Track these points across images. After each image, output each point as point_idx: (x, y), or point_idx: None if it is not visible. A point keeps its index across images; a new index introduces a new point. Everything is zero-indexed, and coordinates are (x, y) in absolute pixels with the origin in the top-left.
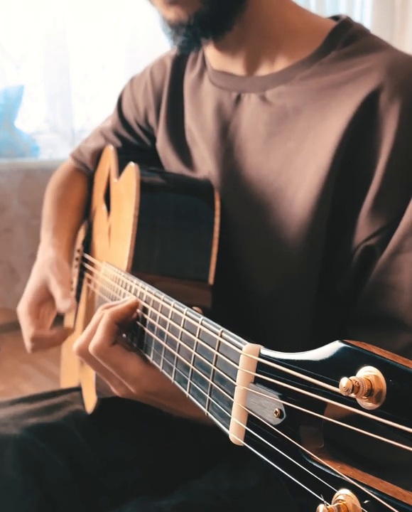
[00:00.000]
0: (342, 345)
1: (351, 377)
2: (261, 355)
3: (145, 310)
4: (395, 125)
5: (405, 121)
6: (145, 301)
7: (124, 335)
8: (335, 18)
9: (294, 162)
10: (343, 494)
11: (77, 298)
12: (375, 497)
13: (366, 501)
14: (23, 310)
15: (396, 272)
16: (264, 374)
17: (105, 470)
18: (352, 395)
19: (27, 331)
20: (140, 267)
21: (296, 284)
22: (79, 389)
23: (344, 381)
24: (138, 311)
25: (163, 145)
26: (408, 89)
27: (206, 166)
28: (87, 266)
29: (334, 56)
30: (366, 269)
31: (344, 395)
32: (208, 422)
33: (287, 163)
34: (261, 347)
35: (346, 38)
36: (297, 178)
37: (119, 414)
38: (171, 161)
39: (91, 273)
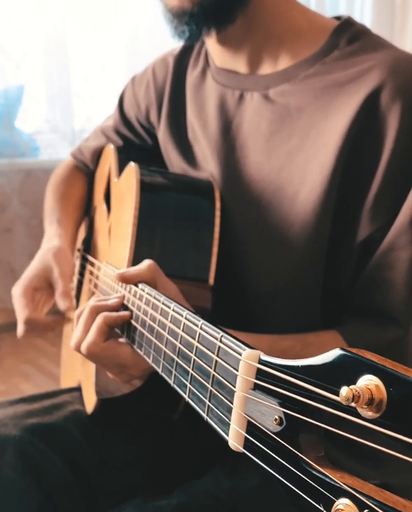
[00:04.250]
0: (342, 352)
1: (352, 387)
2: (260, 361)
3: (145, 312)
4: (396, 124)
5: (406, 120)
6: (144, 303)
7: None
8: (337, 18)
9: (295, 161)
10: (342, 504)
11: (77, 297)
12: (374, 507)
13: (365, 511)
14: (17, 292)
15: (389, 269)
16: (264, 380)
17: (105, 470)
18: (352, 404)
19: (21, 313)
20: None
21: (299, 284)
22: (79, 389)
23: (344, 390)
24: (138, 312)
25: (165, 142)
26: (409, 88)
27: (208, 163)
28: (87, 266)
29: (337, 55)
30: (366, 263)
31: (344, 404)
32: None
33: (288, 162)
34: (261, 353)
35: (348, 37)
36: (298, 177)
37: (119, 414)
38: (173, 158)
39: (91, 273)
